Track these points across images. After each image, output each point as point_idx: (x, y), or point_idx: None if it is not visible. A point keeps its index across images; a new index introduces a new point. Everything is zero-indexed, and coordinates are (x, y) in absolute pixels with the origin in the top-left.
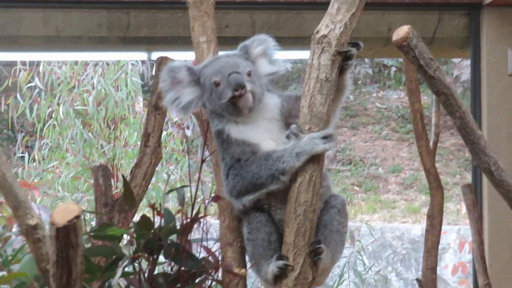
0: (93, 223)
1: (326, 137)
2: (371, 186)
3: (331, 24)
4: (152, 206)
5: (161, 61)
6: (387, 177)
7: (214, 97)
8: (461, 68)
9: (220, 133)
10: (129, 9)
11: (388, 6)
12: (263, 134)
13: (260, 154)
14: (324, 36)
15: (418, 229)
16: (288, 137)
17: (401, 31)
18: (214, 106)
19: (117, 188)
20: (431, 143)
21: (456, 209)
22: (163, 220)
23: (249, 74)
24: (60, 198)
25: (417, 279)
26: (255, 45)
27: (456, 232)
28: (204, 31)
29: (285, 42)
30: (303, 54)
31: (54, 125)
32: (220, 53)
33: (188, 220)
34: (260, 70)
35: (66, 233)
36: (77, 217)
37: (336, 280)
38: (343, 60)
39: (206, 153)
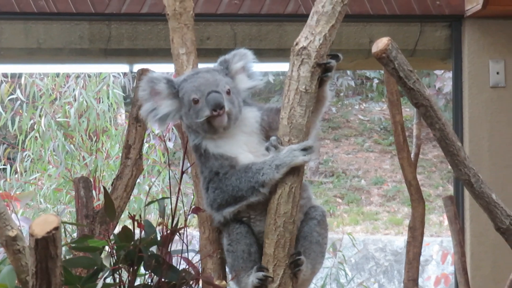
0: (75, 234)
1: (305, 149)
2: (353, 198)
3: (311, 36)
4: (133, 218)
5: (142, 73)
6: (369, 189)
7: (191, 114)
8: (444, 80)
9: (198, 147)
10: (110, 21)
11: (369, 18)
12: (241, 147)
13: (239, 166)
14: (304, 48)
15: (400, 241)
16: (267, 149)
17: (380, 43)
18: (190, 122)
19: (99, 200)
20: (412, 155)
21: (438, 221)
22: (143, 232)
23: (228, 93)
24: (42, 209)
25: None
26: (235, 60)
27: (439, 244)
28: (184, 43)
29: (266, 54)
30: (285, 66)
31: (36, 137)
32: (200, 65)
33: (169, 231)
34: (239, 86)
35: (45, 245)
36: (56, 228)
37: None
38: (322, 72)
39: (188, 164)
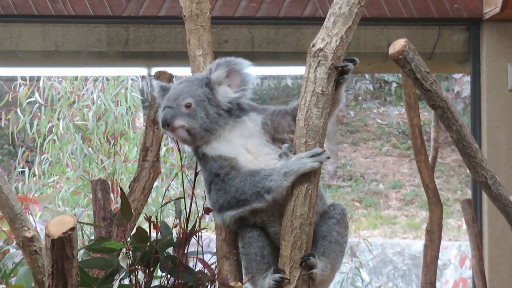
0: (93, 237)
1: (314, 155)
2: (371, 202)
3: (327, 37)
4: (149, 219)
5: (160, 76)
6: (387, 193)
7: None
8: (462, 84)
9: (196, 152)
10: (128, 24)
11: (387, 21)
12: (239, 149)
13: (246, 170)
14: (320, 49)
15: (418, 244)
16: (280, 156)
17: (397, 45)
18: None
19: (117, 202)
20: (430, 158)
21: (457, 225)
22: (159, 233)
23: (187, 106)
24: (60, 212)
25: None
26: (215, 69)
27: (457, 248)
28: (200, 45)
29: (284, 57)
30: (303, 70)
31: (54, 140)
32: None
33: (185, 233)
34: (220, 97)
35: (61, 245)
36: (72, 229)
37: None
38: (339, 74)
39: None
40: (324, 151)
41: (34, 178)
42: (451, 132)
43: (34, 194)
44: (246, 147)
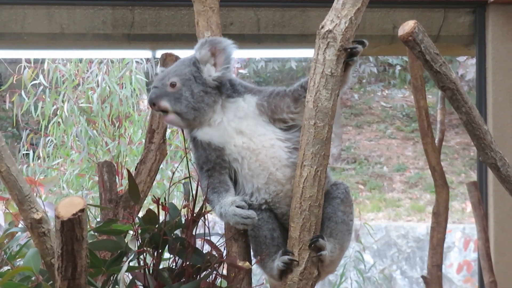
0: (98, 219)
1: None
2: (375, 184)
3: (336, 19)
4: (157, 201)
5: (166, 58)
6: (392, 175)
7: None
8: (466, 67)
9: (190, 136)
10: (134, 6)
11: (393, 3)
12: (230, 135)
13: (211, 195)
14: (329, 31)
15: (423, 227)
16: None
17: (406, 26)
18: None
19: (121, 185)
20: (436, 141)
21: (461, 207)
22: (168, 215)
23: (173, 85)
24: (65, 195)
25: (423, 276)
26: (198, 49)
27: (461, 231)
28: (209, 26)
29: (290, 39)
30: (308, 52)
31: (58, 122)
32: None
33: (193, 214)
34: (205, 75)
35: (71, 227)
36: (82, 210)
37: (338, 279)
38: (348, 56)
39: None
40: (255, 217)
41: (39, 161)
42: (460, 114)
43: (38, 176)
44: (240, 129)
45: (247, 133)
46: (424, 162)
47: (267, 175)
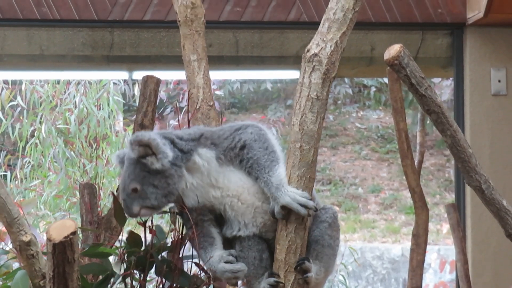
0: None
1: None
2: (351, 206)
3: (322, 42)
4: (144, 224)
5: (147, 80)
6: (366, 197)
7: None
8: (441, 88)
9: None
10: (113, 28)
11: (371, 25)
12: (206, 192)
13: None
14: (315, 54)
15: (398, 249)
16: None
17: (392, 50)
18: None
19: (99, 206)
20: (416, 162)
21: (436, 229)
22: (154, 238)
23: (135, 191)
24: (41, 216)
25: None
26: (130, 150)
27: (437, 252)
28: (195, 49)
29: (268, 61)
30: (286, 74)
31: (36, 143)
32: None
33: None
34: (154, 167)
35: (63, 249)
36: (74, 233)
37: None
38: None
39: None
40: (245, 269)
41: (16, 182)
42: (445, 137)
43: (16, 198)
44: (212, 184)
45: (221, 186)
46: (399, 183)
47: (252, 210)
